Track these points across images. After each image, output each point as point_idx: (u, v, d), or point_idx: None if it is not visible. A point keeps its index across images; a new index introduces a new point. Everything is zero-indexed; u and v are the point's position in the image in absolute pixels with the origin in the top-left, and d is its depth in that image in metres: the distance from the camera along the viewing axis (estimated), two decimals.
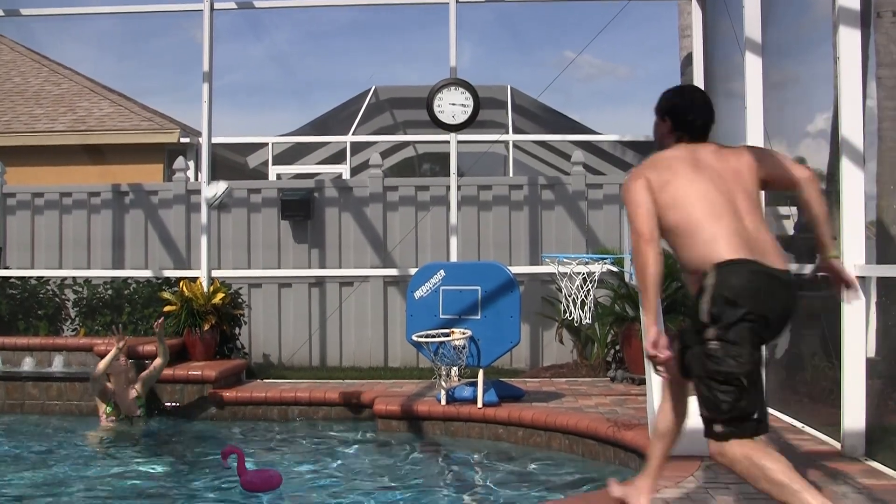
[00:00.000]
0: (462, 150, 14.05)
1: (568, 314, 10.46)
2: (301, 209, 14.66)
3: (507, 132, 19.04)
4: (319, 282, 14.60)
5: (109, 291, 13.94)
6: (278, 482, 7.60)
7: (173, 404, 11.39)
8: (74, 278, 14.37)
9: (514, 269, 10.93)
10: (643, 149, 18.34)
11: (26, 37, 27.47)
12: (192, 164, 18.48)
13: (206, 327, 12.34)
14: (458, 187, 13.06)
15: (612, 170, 19.70)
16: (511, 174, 18.80)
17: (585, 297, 10.33)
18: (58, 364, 12.25)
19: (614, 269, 11.16)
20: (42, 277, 14.39)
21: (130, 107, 20.93)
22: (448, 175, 13.02)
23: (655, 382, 7.58)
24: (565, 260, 10.69)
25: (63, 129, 20.00)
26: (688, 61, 12.88)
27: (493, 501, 7.38)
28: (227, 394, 11.37)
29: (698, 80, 11.80)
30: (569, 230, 14.37)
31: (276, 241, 14.86)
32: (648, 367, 7.60)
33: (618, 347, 12.41)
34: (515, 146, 20.15)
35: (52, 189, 15.69)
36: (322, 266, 14.68)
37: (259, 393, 11.35)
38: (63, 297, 14.31)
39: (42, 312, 14.06)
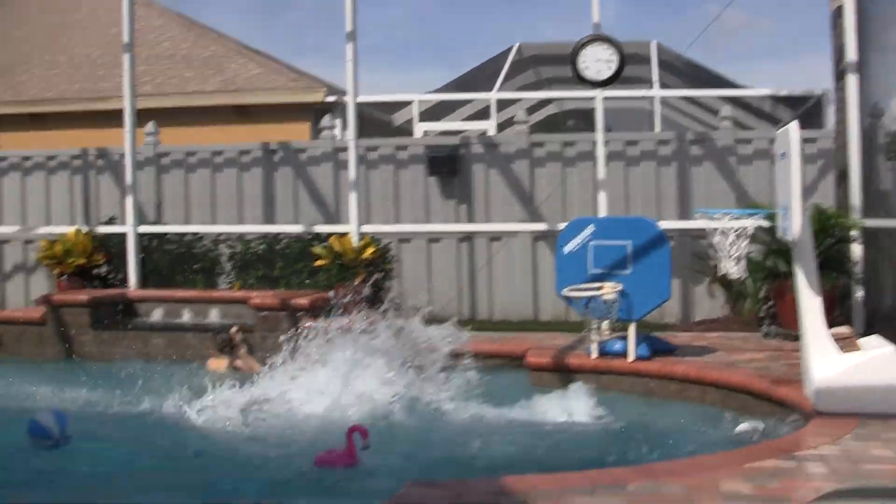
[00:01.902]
0: (607, 105, 14.04)
1: (720, 269, 10.43)
2: (448, 165, 14.84)
3: (653, 87, 18.90)
4: (468, 237, 14.78)
5: (262, 246, 14.36)
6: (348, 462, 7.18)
7: None
8: (228, 234, 14.82)
9: (663, 225, 10.94)
10: (792, 103, 18.05)
11: (175, 1, 28.12)
12: (338, 122, 18.77)
13: (357, 281, 12.61)
14: (605, 143, 13.06)
15: (760, 125, 19.43)
16: (658, 130, 18.68)
17: (738, 251, 10.28)
18: (214, 316, 12.71)
19: (766, 224, 11.07)
20: (197, 233, 14.87)
21: (277, 67, 21.33)
22: (593, 131, 13.05)
23: (811, 339, 7.57)
24: (717, 215, 10.64)
25: (213, 90, 20.50)
26: (838, 13, 12.64)
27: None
28: None
29: (850, 34, 11.59)
30: (717, 185, 14.27)
31: (423, 197, 15.08)
32: (804, 323, 7.58)
33: (770, 303, 12.31)
34: (662, 102, 19.98)
35: (205, 148, 16.14)
36: (470, 221, 14.85)
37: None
38: (218, 252, 14.76)
39: (198, 267, 14.56)
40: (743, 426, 7.77)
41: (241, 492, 6.54)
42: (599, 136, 12.83)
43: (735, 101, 18.25)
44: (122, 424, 8.65)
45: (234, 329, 11.54)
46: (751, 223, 10.64)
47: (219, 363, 11.27)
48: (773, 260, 12.26)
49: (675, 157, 14.38)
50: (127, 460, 7.50)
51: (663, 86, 19.50)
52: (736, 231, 10.42)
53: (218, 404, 8.86)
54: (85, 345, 12.50)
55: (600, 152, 12.80)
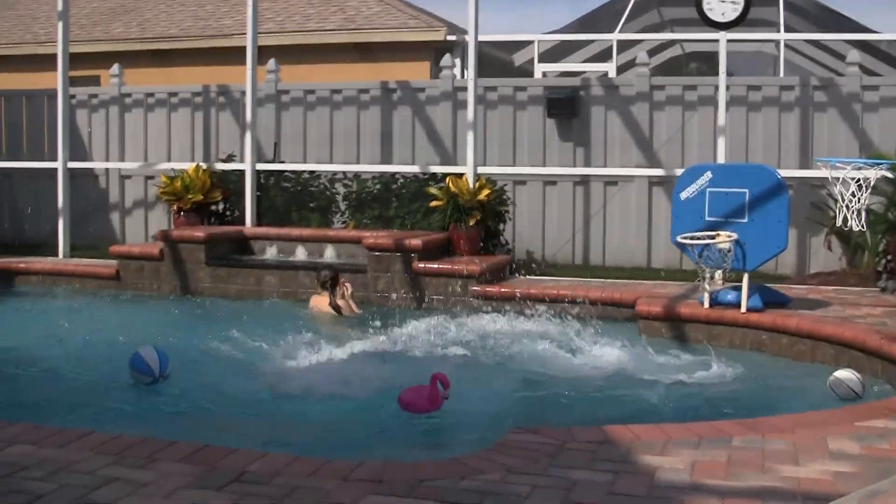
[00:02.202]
0: (731, 49, 13.74)
1: (839, 220, 10.21)
2: (566, 107, 14.72)
3: (779, 31, 18.46)
4: (584, 180, 14.68)
5: (378, 186, 14.44)
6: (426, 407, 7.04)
7: None
8: (344, 173, 14.94)
9: (783, 173, 10.69)
10: None
11: None
12: (458, 61, 18.72)
13: (471, 223, 12.65)
14: (727, 87, 12.83)
15: (890, 71, 18.87)
16: (781, 75, 18.27)
17: (859, 203, 10.04)
18: (329, 255, 12.84)
19: (890, 175, 10.79)
20: (314, 172, 15.01)
21: (398, 5, 21.31)
22: (716, 75, 12.81)
23: None
24: (839, 164, 10.39)
25: (333, 28, 20.58)
26: None
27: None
28: (491, 289, 11.66)
29: None
30: (841, 134, 13.93)
31: (541, 138, 14.99)
32: None
33: (889, 257, 12.01)
34: (787, 45, 19.52)
35: (324, 86, 16.25)
36: (587, 165, 14.73)
37: (522, 289, 11.58)
38: (334, 190, 14.89)
39: (314, 205, 14.71)
40: (840, 373, 7.59)
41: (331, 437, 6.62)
42: (722, 80, 12.61)
43: (864, 46, 17.76)
44: (224, 361, 8.77)
45: (329, 272, 11.41)
46: (874, 174, 10.40)
47: (320, 301, 11.29)
48: (895, 213, 11.96)
49: (798, 103, 14.05)
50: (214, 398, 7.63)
51: (789, 29, 19.03)
52: (857, 182, 10.19)
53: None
54: (200, 280, 12.73)
55: (722, 97, 12.59)
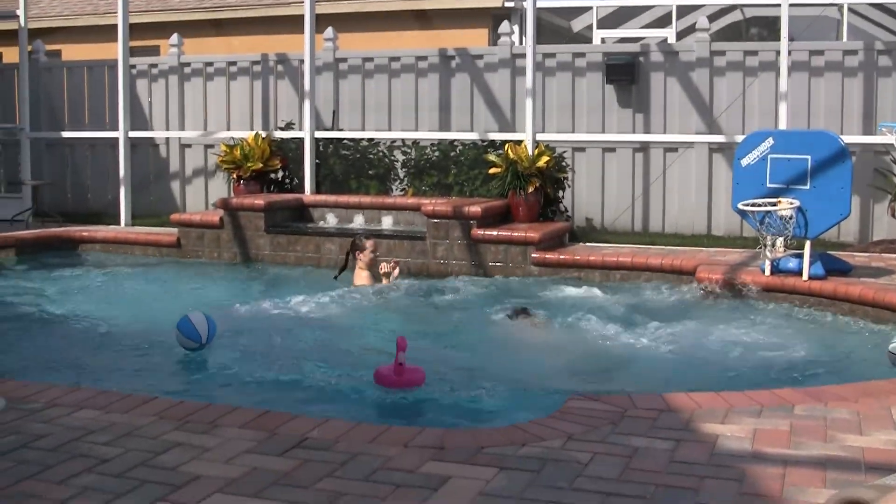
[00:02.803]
0: (793, 13, 13.57)
1: None
2: (626, 73, 14.60)
3: None
4: (643, 147, 14.57)
5: (436, 153, 14.43)
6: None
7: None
8: (403, 140, 14.95)
9: (846, 139, 10.56)
10: None
11: None
12: (516, 28, 18.64)
13: (531, 190, 12.61)
14: (789, 52, 12.67)
15: None
16: (844, 39, 18.00)
17: None
18: (387, 223, 12.88)
19: None
20: (372, 139, 15.04)
21: None
22: (776, 40, 12.66)
23: None
24: None
25: None
26: None
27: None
28: (550, 256, 11.64)
29: None
30: None
31: (600, 104, 14.89)
32: None
33: None
34: (850, 9, 19.22)
35: (382, 54, 16.23)
36: (646, 131, 14.63)
37: (581, 256, 11.57)
38: (392, 158, 14.91)
39: (372, 172, 14.73)
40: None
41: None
42: (783, 45, 12.45)
43: None
44: (282, 326, 8.84)
45: (361, 240, 10.91)
46: None
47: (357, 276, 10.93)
48: None
49: (862, 67, 13.83)
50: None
51: None
52: None
53: None
54: (260, 248, 12.83)
55: (783, 62, 12.44)
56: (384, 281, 10.63)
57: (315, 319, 9.11)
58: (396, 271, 10.69)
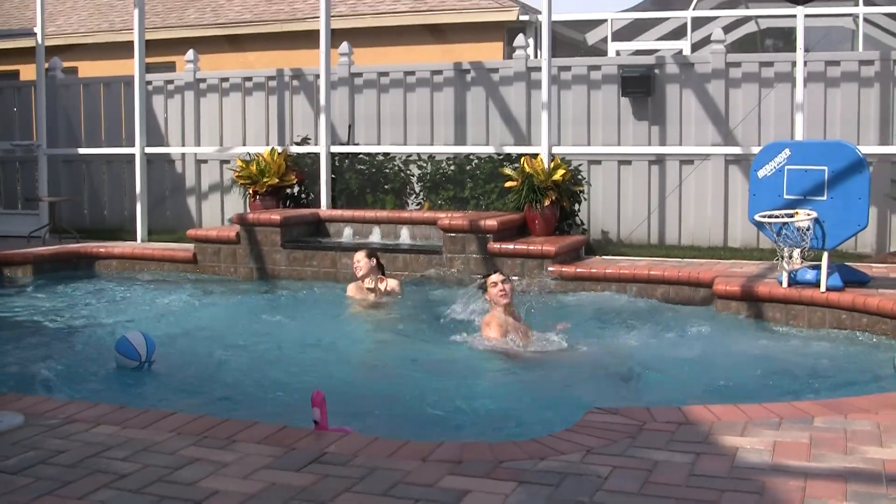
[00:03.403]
0: (808, 24, 13.54)
1: None
2: (641, 85, 14.58)
3: (857, 4, 18.15)
4: (659, 159, 14.54)
5: (452, 167, 14.45)
6: None
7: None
8: (419, 154, 14.96)
9: (863, 149, 10.51)
10: None
11: None
12: (531, 41, 18.66)
13: (547, 203, 12.60)
14: (805, 63, 12.65)
15: None
16: (860, 49, 17.96)
17: None
18: (404, 237, 12.90)
19: None
20: (388, 153, 15.05)
21: None
22: (791, 50, 12.63)
23: None
24: None
25: (405, 10, 20.65)
26: None
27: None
28: (567, 269, 11.62)
29: None
30: None
31: (615, 117, 14.86)
32: None
33: None
34: (865, 20, 19.18)
35: (397, 68, 16.25)
36: (662, 143, 14.59)
37: (598, 269, 11.55)
38: (408, 171, 14.93)
39: (388, 187, 14.76)
40: None
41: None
42: (799, 55, 12.43)
43: None
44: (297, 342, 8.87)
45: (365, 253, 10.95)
46: None
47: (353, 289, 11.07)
48: None
49: (878, 78, 13.79)
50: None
51: (868, 2, 18.73)
52: None
53: None
54: (276, 263, 12.84)
55: (800, 73, 12.42)
56: (371, 297, 10.74)
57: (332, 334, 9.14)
58: (385, 284, 10.77)
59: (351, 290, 11.00)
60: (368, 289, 10.75)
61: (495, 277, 8.77)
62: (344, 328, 9.93)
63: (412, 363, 8.29)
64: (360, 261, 10.77)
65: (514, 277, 10.85)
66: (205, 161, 17.00)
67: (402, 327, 9.75)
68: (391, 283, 10.93)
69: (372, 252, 11.01)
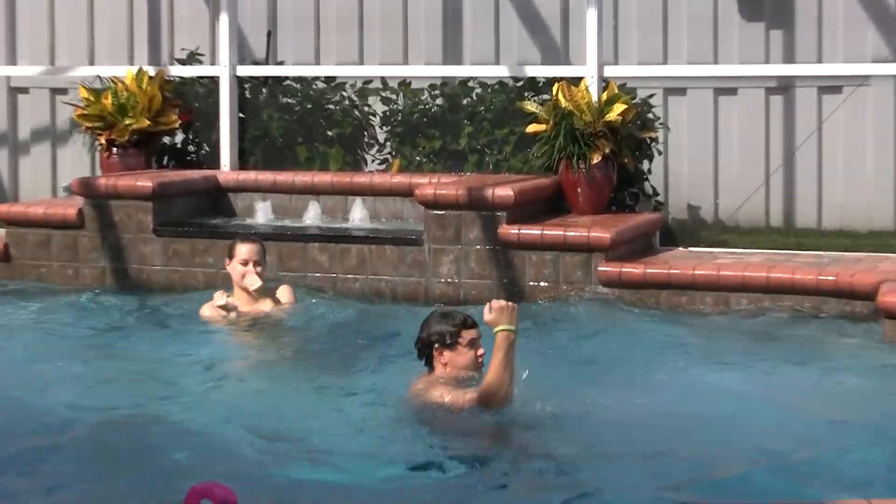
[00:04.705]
0: None
1: None
2: None
3: None
4: (785, 85, 14.41)
5: (438, 100, 14.29)
6: None
7: None
8: (384, 79, 14.75)
9: None
10: None
11: None
12: None
13: (596, 159, 12.42)
14: None
15: None
16: None
17: None
18: (357, 215, 12.74)
19: None
20: (333, 78, 14.84)
21: None
22: None
23: None
24: None
25: None
26: None
27: None
28: (630, 268, 11.46)
29: None
30: None
31: (710, 16, 14.72)
32: None
33: None
34: None
35: None
36: (789, 59, 14.45)
37: (682, 269, 11.39)
38: (366, 108, 14.73)
39: (334, 133, 14.54)
40: None
41: None
42: None
43: None
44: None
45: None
46: None
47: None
48: None
49: None
50: None
51: None
52: None
53: None
54: (146, 260, 12.64)
55: None
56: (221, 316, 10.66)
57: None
58: (227, 299, 10.58)
59: (209, 310, 10.81)
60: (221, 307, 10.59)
61: (472, 334, 8.08)
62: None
63: None
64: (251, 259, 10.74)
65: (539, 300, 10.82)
66: (23, 90, 16.82)
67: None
68: (280, 291, 10.95)
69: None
